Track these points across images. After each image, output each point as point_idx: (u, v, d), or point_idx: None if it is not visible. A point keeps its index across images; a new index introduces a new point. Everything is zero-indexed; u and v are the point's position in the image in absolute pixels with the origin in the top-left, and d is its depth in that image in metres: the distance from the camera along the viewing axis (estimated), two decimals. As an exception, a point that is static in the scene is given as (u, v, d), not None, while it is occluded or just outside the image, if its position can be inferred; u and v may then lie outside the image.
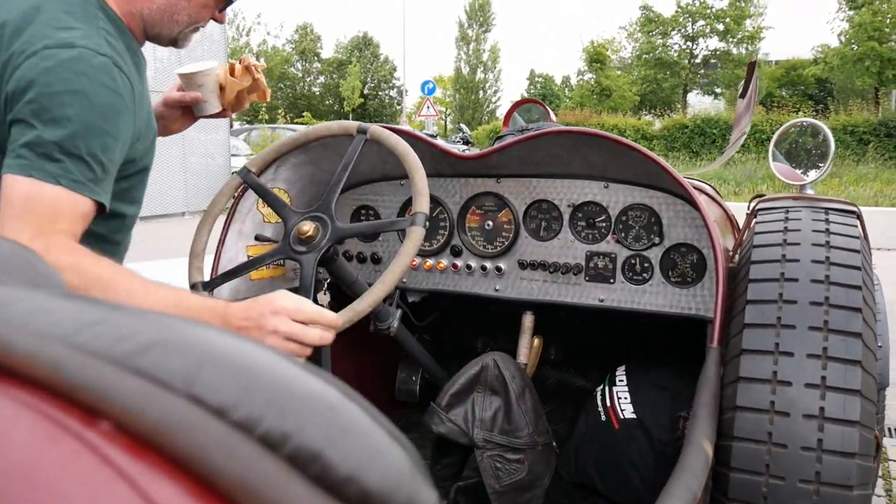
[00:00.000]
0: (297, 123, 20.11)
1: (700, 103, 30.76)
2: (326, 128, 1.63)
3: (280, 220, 1.63)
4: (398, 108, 41.59)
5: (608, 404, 1.90)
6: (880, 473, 2.85)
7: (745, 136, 2.50)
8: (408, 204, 2.08)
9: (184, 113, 1.69)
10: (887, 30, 24.08)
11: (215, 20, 1.50)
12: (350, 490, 0.35)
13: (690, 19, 29.00)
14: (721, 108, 26.55)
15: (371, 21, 67.71)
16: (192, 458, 0.33)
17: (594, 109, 26.78)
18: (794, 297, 1.33)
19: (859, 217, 1.54)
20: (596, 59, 31.72)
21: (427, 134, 23.79)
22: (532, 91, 39.66)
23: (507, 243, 1.96)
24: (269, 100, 1.79)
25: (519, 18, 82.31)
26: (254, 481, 0.33)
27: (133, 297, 1.25)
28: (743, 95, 2.59)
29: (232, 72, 1.65)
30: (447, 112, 41.09)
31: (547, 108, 2.53)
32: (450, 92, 40.94)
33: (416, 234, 1.42)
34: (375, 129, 1.55)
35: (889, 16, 24.22)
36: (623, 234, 1.86)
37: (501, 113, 40.60)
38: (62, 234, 1.23)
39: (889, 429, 3.35)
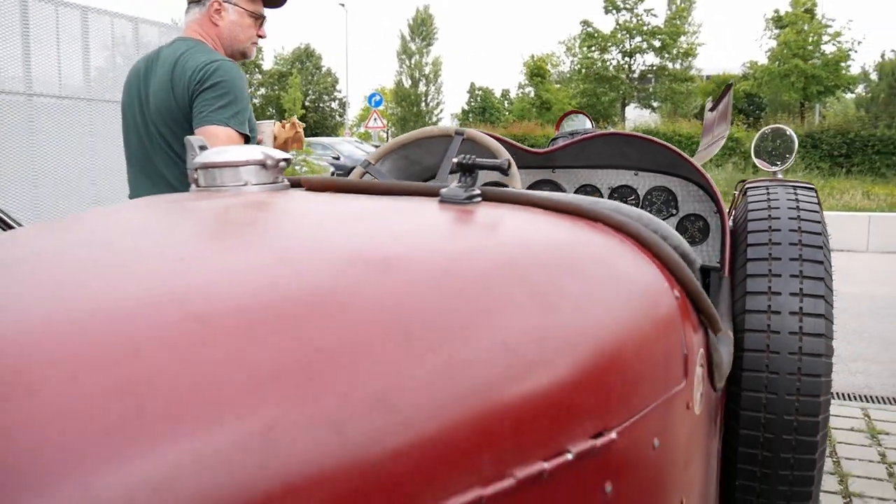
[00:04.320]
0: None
1: (640, 117, 31.84)
2: (430, 131, 1.98)
3: None
4: (340, 119, 41.73)
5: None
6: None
7: (723, 140, 2.95)
8: None
9: None
10: (810, 48, 25.47)
11: (260, 36, 2.26)
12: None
13: (628, 36, 30.06)
14: (658, 120, 27.55)
15: (313, 33, 67.52)
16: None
17: (537, 122, 27.50)
18: (779, 254, 1.81)
19: (816, 192, 2.01)
20: (536, 72, 32.52)
21: (374, 145, 23.73)
22: (472, 104, 40.33)
23: None
24: (303, 148, 2.39)
25: (460, 32, 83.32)
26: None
27: None
28: (712, 109, 3.06)
29: (284, 126, 2.45)
30: (389, 124, 41.42)
31: (588, 115, 3.03)
32: (391, 104, 41.27)
33: (515, 175, 1.80)
34: (470, 131, 1.90)
35: (811, 35, 25.64)
36: (648, 209, 2.36)
37: (444, 125, 41.09)
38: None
39: (835, 393, 3.83)
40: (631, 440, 0.66)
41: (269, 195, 0.98)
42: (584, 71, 31.17)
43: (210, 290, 0.56)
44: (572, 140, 2.28)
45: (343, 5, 38.73)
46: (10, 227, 2.44)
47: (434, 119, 41.20)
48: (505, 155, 1.82)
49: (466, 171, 0.92)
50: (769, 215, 1.92)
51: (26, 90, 9.60)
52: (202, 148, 1.05)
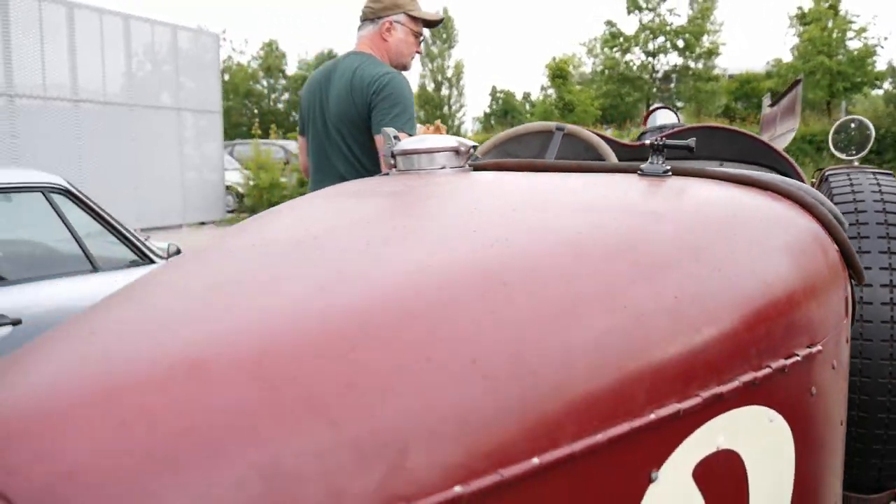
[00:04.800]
0: (288, 139, 20.63)
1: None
2: (530, 127, 2.10)
3: None
4: (363, 124, 41.78)
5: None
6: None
7: (793, 133, 3.06)
8: None
9: None
10: (835, 44, 25.32)
11: (417, 52, 2.69)
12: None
13: (652, 36, 30.02)
14: (683, 121, 27.39)
15: (335, 38, 68.09)
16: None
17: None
18: (867, 233, 1.93)
19: (895, 177, 2.12)
20: (558, 74, 32.53)
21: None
22: (494, 107, 40.40)
23: None
24: None
25: (479, 36, 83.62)
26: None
27: None
28: (773, 105, 3.17)
29: (429, 129, 2.82)
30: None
31: (674, 109, 3.12)
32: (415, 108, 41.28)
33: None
34: (571, 126, 2.02)
35: (836, 31, 25.49)
36: None
37: (466, 129, 41.25)
38: None
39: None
40: (825, 356, 0.81)
41: (477, 175, 1.13)
42: (606, 72, 31.17)
43: (534, 236, 0.73)
44: (662, 133, 2.37)
45: (365, 10, 38.88)
46: (147, 256, 2.76)
47: (457, 123, 41.34)
48: (605, 148, 1.93)
49: (657, 150, 1.11)
50: (854, 198, 2.04)
51: (73, 97, 9.88)
52: (396, 138, 1.23)
